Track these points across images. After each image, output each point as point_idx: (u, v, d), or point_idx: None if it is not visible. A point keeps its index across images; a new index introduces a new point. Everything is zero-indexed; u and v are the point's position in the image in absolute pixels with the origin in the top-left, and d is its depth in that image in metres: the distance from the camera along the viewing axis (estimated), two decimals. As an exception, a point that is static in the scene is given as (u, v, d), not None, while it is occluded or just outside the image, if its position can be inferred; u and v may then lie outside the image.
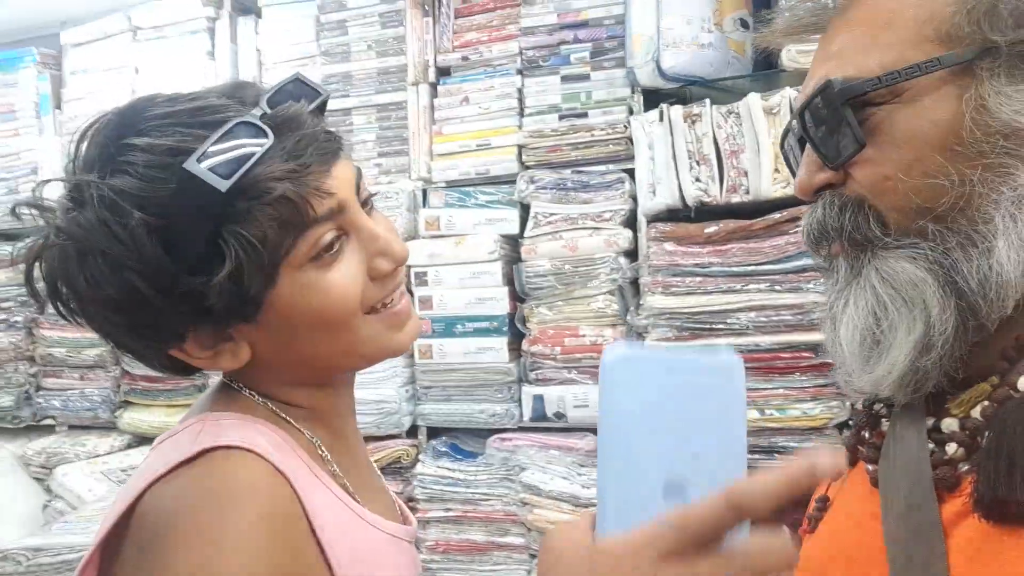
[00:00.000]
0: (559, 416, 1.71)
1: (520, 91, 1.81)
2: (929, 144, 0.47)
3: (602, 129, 1.72)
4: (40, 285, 0.55)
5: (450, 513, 1.74)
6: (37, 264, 0.55)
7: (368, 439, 1.85)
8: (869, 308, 0.49)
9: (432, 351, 1.79)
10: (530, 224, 1.75)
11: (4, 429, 2.30)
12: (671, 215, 1.62)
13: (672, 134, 1.59)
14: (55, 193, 0.57)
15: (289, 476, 0.54)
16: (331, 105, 1.94)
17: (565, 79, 1.77)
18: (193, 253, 0.50)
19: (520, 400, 1.75)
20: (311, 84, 0.60)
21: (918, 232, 0.48)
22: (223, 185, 0.48)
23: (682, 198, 1.57)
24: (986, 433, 0.45)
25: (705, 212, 1.58)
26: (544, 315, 1.73)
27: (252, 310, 0.54)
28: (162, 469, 0.52)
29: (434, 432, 1.87)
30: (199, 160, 0.49)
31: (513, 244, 1.79)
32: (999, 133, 0.46)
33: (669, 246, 1.59)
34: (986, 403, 0.47)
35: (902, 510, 0.47)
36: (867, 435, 0.55)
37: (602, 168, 1.72)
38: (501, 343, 1.75)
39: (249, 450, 0.53)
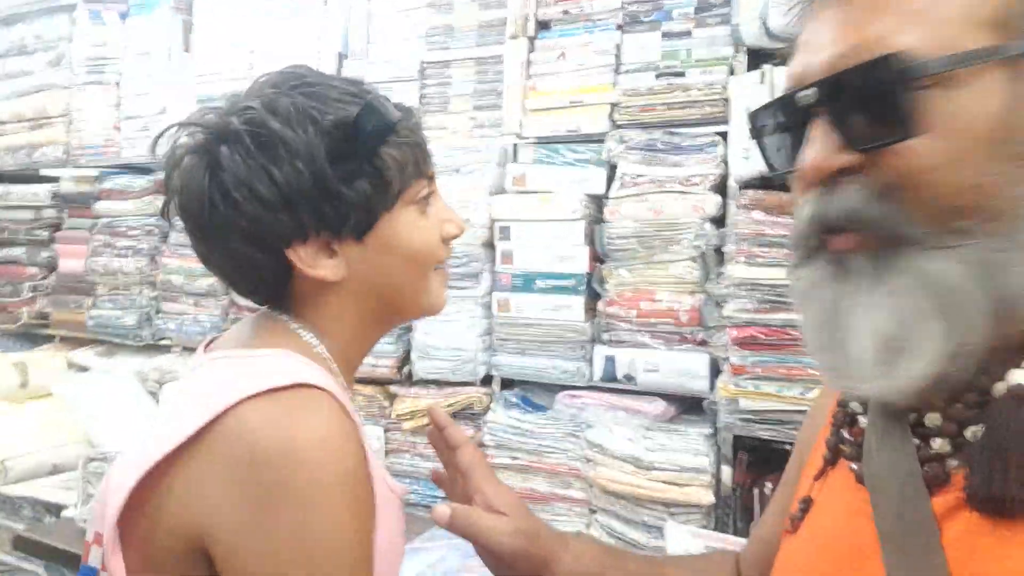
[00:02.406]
0: (629, 378, 1.70)
1: (618, 47, 1.77)
2: (976, 137, 0.43)
3: (699, 89, 1.66)
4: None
5: (516, 461, 1.78)
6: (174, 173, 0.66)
7: (443, 384, 1.93)
8: (899, 314, 0.44)
9: (510, 305, 1.82)
10: (616, 184, 1.73)
11: (127, 346, 2.54)
12: (764, 183, 1.56)
13: (772, 97, 1.51)
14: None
15: (355, 419, 0.61)
16: (432, 56, 2.00)
17: (666, 35, 1.71)
18: (349, 162, 0.64)
19: (592, 359, 1.75)
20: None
21: (959, 231, 0.43)
22: (395, 115, 0.66)
23: (776, 165, 1.50)
24: (975, 429, 0.44)
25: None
26: (623, 277, 1.71)
27: (366, 226, 0.66)
28: (253, 388, 0.56)
29: (507, 383, 1.91)
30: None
31: (597, 204, 1.78)
32: None
33: (757, 214, 1.53)
34: (970, 397, 0.45)
35: (894, 507, 0.46)
36: (845, 434, 0.54)
37: (695, 130, 1.67)
38: (578, 302, 1.75)
39: (331, 393, 0.59)
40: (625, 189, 1.72)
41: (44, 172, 2.78)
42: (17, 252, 2.83)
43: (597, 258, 1.77)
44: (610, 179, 1.76)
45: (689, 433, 1.60)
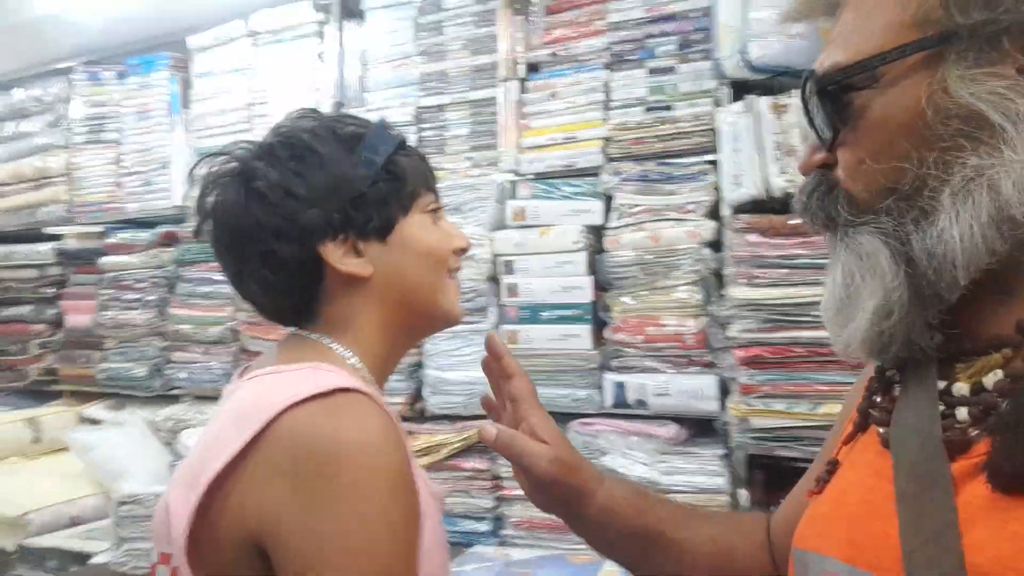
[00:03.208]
0: (640, 403, 1.74)
1: (606, 85, 1.85)
2: (898, 129, 0.50)
3: (687, 121, 1.73)
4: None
5: (533, 492, 1.82)
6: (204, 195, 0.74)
7: (456, 418, 1.96)
8: (841, 278, 0.53)
9: (518, 337, 1.87)
10: (614, 215, 1.79)
11: (137, 397, 2.57)
12: (756, 206, 1.62)
13: (758, 125, 1.58)
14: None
15: (396, 422, 0.66)
16: (427, 102, 2.07)
17: (652, 72, 1.79)
18: (369, 167, 0.73)
19: (602, 386, 1.79)
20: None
21: (881, 211, 0.51)
22: (399, 134, 0.78)
23: (767, 189, 1.57)
24: (1002, 404, 0.46)
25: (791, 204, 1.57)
26: (627, 304, 1.77)
27: (387, 227, 0.74)
28: (295, 396, 0.60)
29: (519, 414, 1.94)
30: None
31: (597, 234, 1.84)
32: (956, 116, 0.47)
33: (753, 237, 1.59)
34: (1000, 374, 0.48)
35: (911, 467, 0.49)
36: (879, 399, 0.57)
37: (686, 160, 1.74)
38: (585, 330, 1.80)
39: (371, 397, 0.64)
40: (623, 219, 1.78)
41: (47, 231, 2.81)
42: (23, 311, 2.86)
43: (600, 287, 1.82)
44: (608, 210, 1.82)
45: (703, 454, 1.65)
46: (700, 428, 1.77)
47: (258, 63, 2.39)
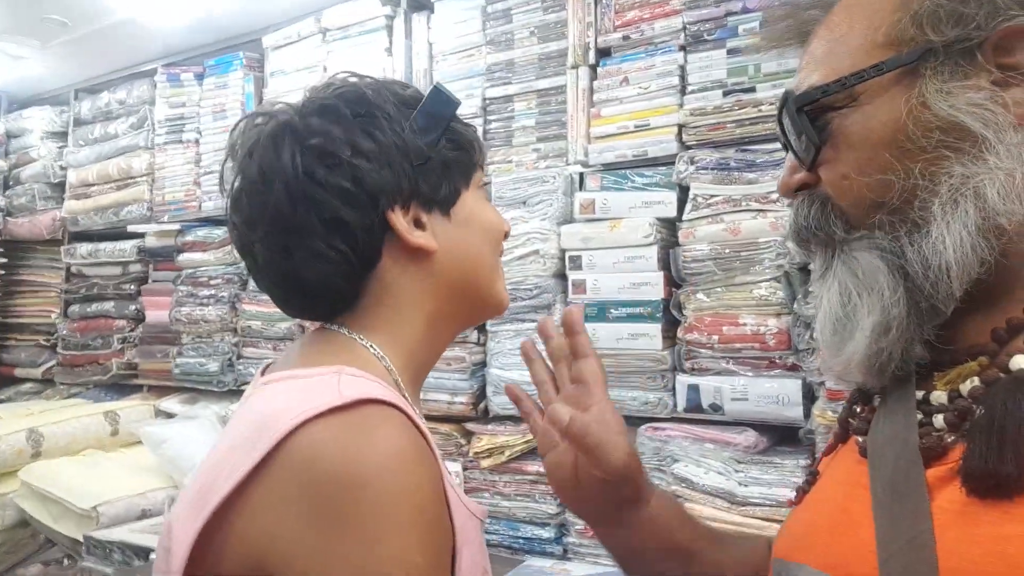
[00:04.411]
0: (715, 408, 1.62)
1: (682, 68, 1.74)
2: (879, 143, 0.50)
3: (771, 104, 1.60)
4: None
5: (599, 500, 1.72)
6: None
7: (520, 419, 1.88)
8: (837, 297, 0.53)
9: (585, 335, 1.78)
10: (689, 206, 1.68)
11: (211, 392, 2.61)
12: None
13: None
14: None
15: (427, 436, 0.57)
16: (494, 92, 2.01)
17: (732, 52, 1.67)
18: (430, 133, 0.67)
19: (674, 389, 1.68)
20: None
21: (873, 225, 0.51)
22: (457, 99, 0.69)
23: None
24: (976, 409, 0.46)
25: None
26: (701, 302, 1.65)
27: (452, 199, 0.68)
28: (312, 409, 0.52)
29: (585, 417, 1.85)
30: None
31: (670, 227, 1.73)
32: (938, 128, 0.48)
33: (843, 229, 1.45)
34: (976, 381, 0.48)
35: (888, 475, 0.49)
36: (858, 409, 0.58)
37: (770, 146, 1.61)
38: (655, 329, 1.69)
39: (400, 409, 0.55)
40: (698, 211, 1.66)
41: (130, 229, 2.91)
42: (107, 306, 2.97)
43: (673, 283, 1.71)
44: (682, 201, 1.71)
45: (785, 465, 1.51)
46: (781, 436, 1.63)
47: (328, 60, 2.39)
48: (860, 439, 0.55)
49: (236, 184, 0.65)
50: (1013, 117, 0.47)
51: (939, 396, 0.50)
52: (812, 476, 0.61)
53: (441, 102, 0.68)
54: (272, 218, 0.62)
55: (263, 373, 0.66)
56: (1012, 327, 0.48)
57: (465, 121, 0.72)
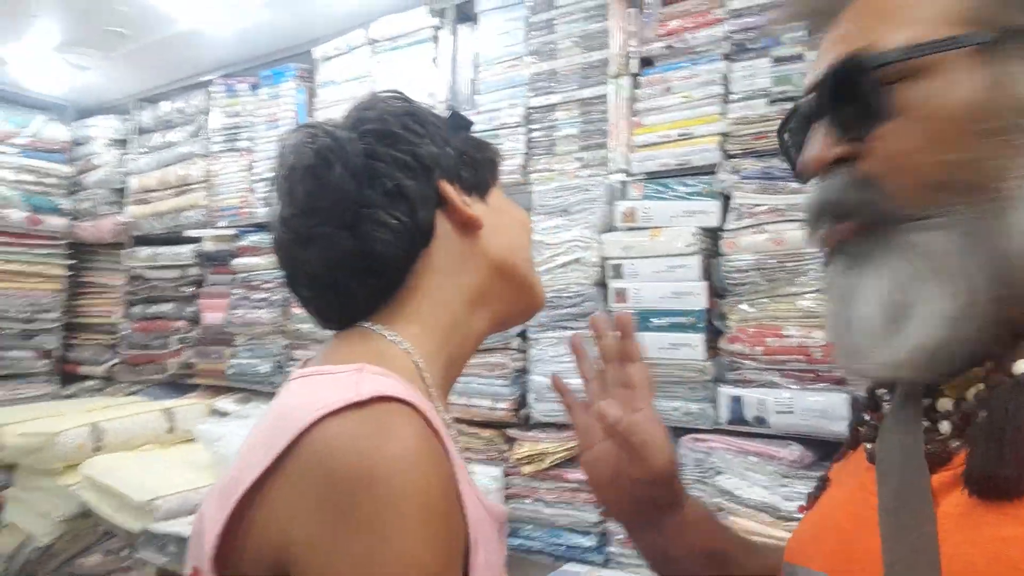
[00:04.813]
0: (759, 421, 1.60)
1: (725, 77, 1.72)
2: (950, 120, 0.48)
3: (817, 113, 1.58)
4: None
5: (639, 509, 1.72)
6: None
7: (561, 426, 1.90)
8: (896, 282, 0.49)
9: (626, 344, 1.78)
10: (732, 216, 1.66)
11: (262, 393, 2.69)
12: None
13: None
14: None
15: (442, 436, 0.57)
16: (537, 102, 2.03)
17: (776, 61, 1.65)
18: (456, 139, 0.74)
19: (716, 401, 1.67)
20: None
21: (939, 206, 0.48)
22: (472, 119, 0.77)
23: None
24: (980, 413, 0.46)
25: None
26: (745, 312, 1.63)
27: (486, 185, 0.74)
28: (330, 405, 0.53)
29: (627, 426, 1.85)
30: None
31: (713, 237, 1.72)
32: (1015, 110, 0.47)
33: (891, 240, 1.42)
34: (980, 386, 0.48)
35: (896, 481, 0.49)
36: (868, 417, 0.58)
37: (815, 155, 1.58)
38: (698, 339, 1.69)
39: (416, 407, 0.56)
40: (742, 220, 1.65)
41: (188, 233, 3.02)
42: (165, 308, 3.09)
43: (716, 293, 1.70)
44: (725, 211, 1.70)
45: (828, 479, 1.49)
46: (827, 450, 1.60)
47: (376, 70, 2.44)
48: (868, 446, 0.55)
49: (290, 183, 0.67)
50: None
51: (945, 403, 0.50)
52: (823, 482, 0.61)
53: (460, 121, 0.77)
54: (335, 199, 0.65)
55: (304, 366, 0.68)
56: (1017, 333, 0.47)
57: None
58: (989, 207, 0.46)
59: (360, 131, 0.68)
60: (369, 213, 0.65)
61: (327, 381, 0.58)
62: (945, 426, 0.49)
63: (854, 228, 0.51)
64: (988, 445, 0.44)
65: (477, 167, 0.74)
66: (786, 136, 0.60)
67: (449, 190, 0.69)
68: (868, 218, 0.50)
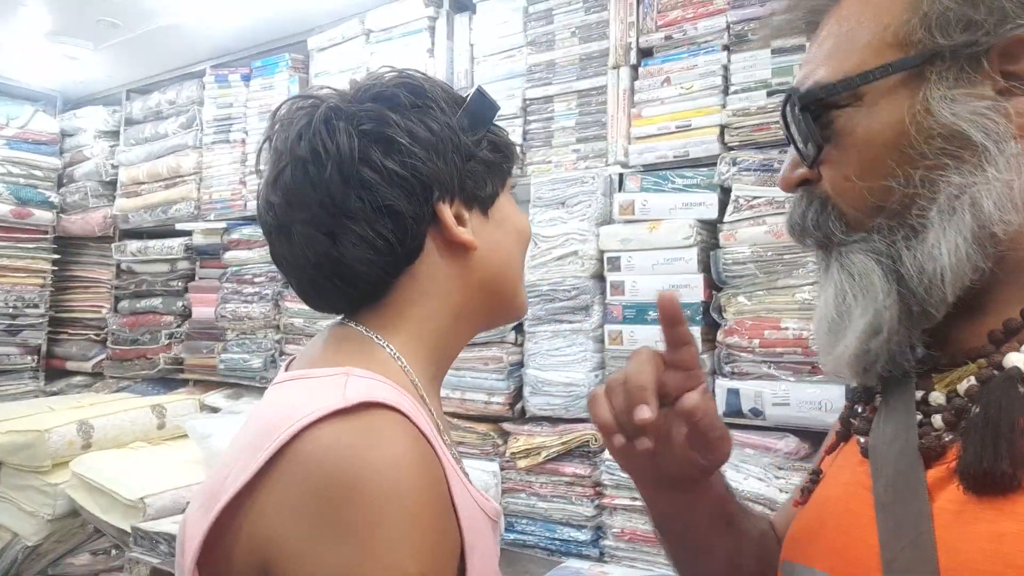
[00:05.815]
0: (755, 413, 1.60)
1: (726, 68, 1.72)
2: (882, 146, 0.51)
3: (816, 104, 1.57)
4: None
5: (637, 502, 1.71)
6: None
7: (556, 420, 1.88)
8: (833, 298, 0.54)
9: (623, 337, 1.77)
10: (730, 208, 1.66)
11: (253, 388, 2.66)
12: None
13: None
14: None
15: (431, 440, 0.56)
16: (534, 93, 2.01)
17: (776, 52, 1.64)
18: (474, 132, 0.68)
19: (713, 393, 1.66)
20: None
21: (872, 228, 0.52)
22: (498, 104, 0.71)
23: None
24: (972, 408, 0.47)
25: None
26: (742, 305, 1.63)
27: (493, 198, 0.70)
28: (316, 412, 0.52)
29: (623, 419, 1.84)
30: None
31: (711, 229, 1.71)
32: (940, 135, 0.48)
33: (891, 232, 1.42)
34: (972, 380, 0.49)
35: (890, 475, 0.50)
36: (860, 409, 0.58)
37: (815, 147, 1.58)
38: (695, 332, 1.68)
39: (403, 413, 0.55)
40: (740, 212, 1.64)
41: (178, 227, 2.99)
42: (155, 302, 3.05)
43: (714, 285, 1.69)
44: (723, 203, 1.69)
45: (826, 471, 1.48)
46: (823, 443, 1.59)
47: (372, 61, 2.42)
48: (861, 439, 0.55)
49: (279, 164, 0.64)
50: (1014, 127, 0.48)
51: (937, 397, 0.51)
52: (815, 475, 0.61)
53: (484, 105, 0.69)
54: (321, 201, 0.61)
55: (287, 368, 0.66)
56: (1008, 329, 0.49)
57: (499, 126, 0.73)
58: (907, 229, 0.50)
59: (360, 129, 0.62)
60: (352, 226, 0.61)
61: (314, 385, 0.57)
62: (938, 420, 0.50)
63: (815, 246, 0.56)
64: (982, 440, 0.45)
65: (485, 177, 0.68)
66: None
67: (446, 212, 0.64)
68: (822, 239, 0.55)
